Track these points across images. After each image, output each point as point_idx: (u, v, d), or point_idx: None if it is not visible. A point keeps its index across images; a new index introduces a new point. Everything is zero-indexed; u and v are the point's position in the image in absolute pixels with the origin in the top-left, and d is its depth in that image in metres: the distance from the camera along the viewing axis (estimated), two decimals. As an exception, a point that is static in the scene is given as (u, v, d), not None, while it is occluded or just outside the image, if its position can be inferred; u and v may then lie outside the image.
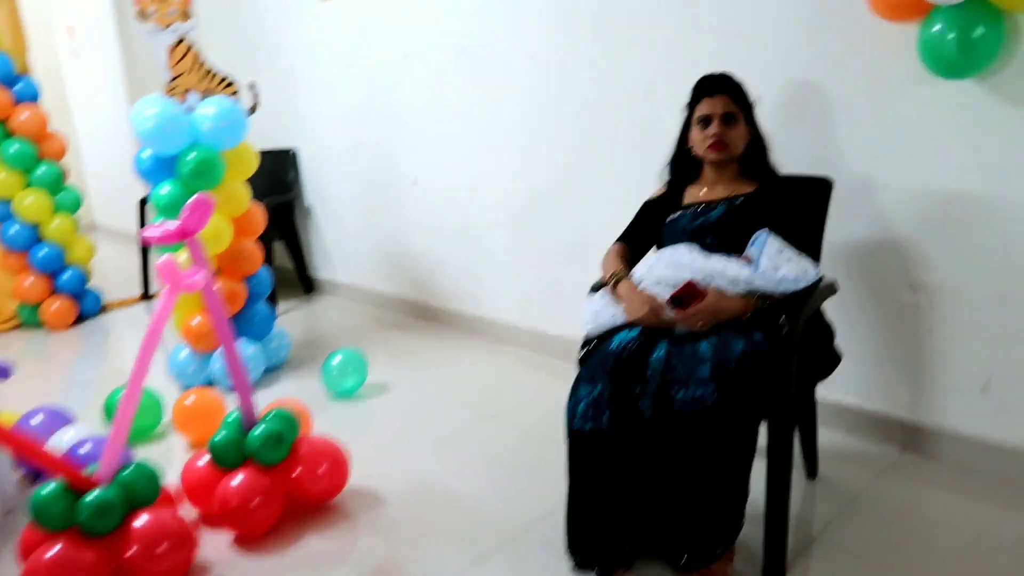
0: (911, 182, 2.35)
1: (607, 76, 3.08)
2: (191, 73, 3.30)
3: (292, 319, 4.50)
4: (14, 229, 4.52)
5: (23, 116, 4.42)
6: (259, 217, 3.53)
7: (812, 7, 2.45)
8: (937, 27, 2.08)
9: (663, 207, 2.26)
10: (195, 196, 2.24)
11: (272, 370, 3.60)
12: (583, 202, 3.32)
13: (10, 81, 4.44)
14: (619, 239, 2.32)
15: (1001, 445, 2.31)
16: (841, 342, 2.16)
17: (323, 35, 4.41)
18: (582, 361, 2.04)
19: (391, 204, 4.31)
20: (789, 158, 2.32)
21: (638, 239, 2.31)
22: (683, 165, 2.27)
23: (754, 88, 2.18)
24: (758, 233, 2.01)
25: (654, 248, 2.29)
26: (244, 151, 3.39)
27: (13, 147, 4.41)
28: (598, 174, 3.23)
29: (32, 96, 4.51)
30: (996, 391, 2.31)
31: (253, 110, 3.58)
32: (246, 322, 3.46)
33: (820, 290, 1.99)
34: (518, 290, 3.72)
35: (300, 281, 4.97)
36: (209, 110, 3.19)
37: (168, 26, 3.23)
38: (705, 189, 2.21)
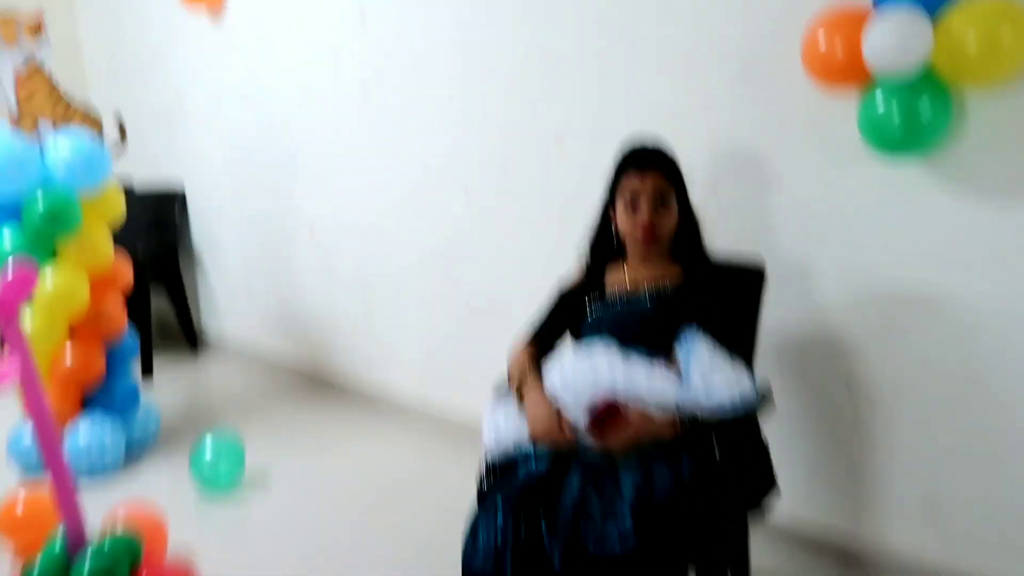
0: (851, 268, 2.06)
1: (517, 125, 2.72)
2: (43, 100, 2.80)
3: (169, 383, 3.95)
4: None
5: None
6: (124, 270, 3.02)
7: (745, 67, 2.15)
8: (879, 99, 1.81)
9: (580, 293, 1.93)
10: (11, 263, 1.76)
11: (137, 450, 3.06)
12: (491, 260, 2.94)
13: None
14: (529, 334, 1.96)
15: (948, 570, 2.02)
16: (773, 450, 1.81)
17: (214, 61, 3.94)
18: (482, 495, 1.68)
19: (284, 253, 3.84)
20: (718, 234, 2.00)
21: (551, 333, 1.96)
22: (605, 246, 1.93)
23: (679, 153, 1.85)
24: (686, 333, 1.71)
25: (570, 340, 1.95)
26: (106, 193, 2.90)
27: None
28: (507, 229, 2.85)
29: None
30: (942, 509, 2.02)
31: (120, 145, 3.08)
32: (105, 395, 2.94)
33: (757, 405, 1.68)
34: (421, 358, 3.30)
35: (184, 336, 4.42)
36: (63, 145, 2.70)
37: (14, 45, 2.72)
38: (630, 274, 1.88)
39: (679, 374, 1.66)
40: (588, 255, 1.98)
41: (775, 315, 2.07)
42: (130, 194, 4.36)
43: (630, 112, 2.39)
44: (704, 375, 1.62)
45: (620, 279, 1.89)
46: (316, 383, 3.79)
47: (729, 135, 2.22)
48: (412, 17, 2.98)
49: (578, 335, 1.90)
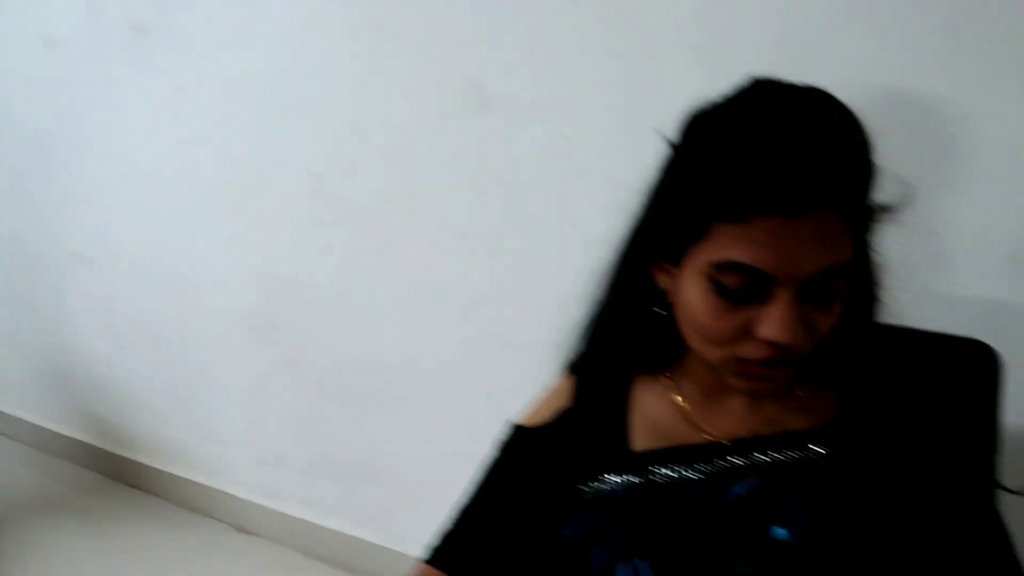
0: None
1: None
2: None
3: None
4: None
5: None
6: None
7: None
8: None
9: (565, 452, 0.85)
10: None
11: None
12: (373, 300, 1.80)
13: None
14: (434, 553, 0.87)
15: None
16: None
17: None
18: None
19: (49, 289, 2.56)
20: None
21: (482, 550, 0.85)
22: (630, 336, 0.84)
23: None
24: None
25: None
26: None
27: None
28: (401, 258, 1.73)
29: None
30: None
31: None
32: None
33: None
34: (265, 447, 2.13)
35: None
36: None
37: None
38: (698, 405, 0.83)
39: None
40: (585, 356, 0.90)
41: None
42: None
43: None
44: None
45: (670, 417, 0.83)
46: (117, 476, 2.54)
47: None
48: None
49: (557, 555, 0.82)
